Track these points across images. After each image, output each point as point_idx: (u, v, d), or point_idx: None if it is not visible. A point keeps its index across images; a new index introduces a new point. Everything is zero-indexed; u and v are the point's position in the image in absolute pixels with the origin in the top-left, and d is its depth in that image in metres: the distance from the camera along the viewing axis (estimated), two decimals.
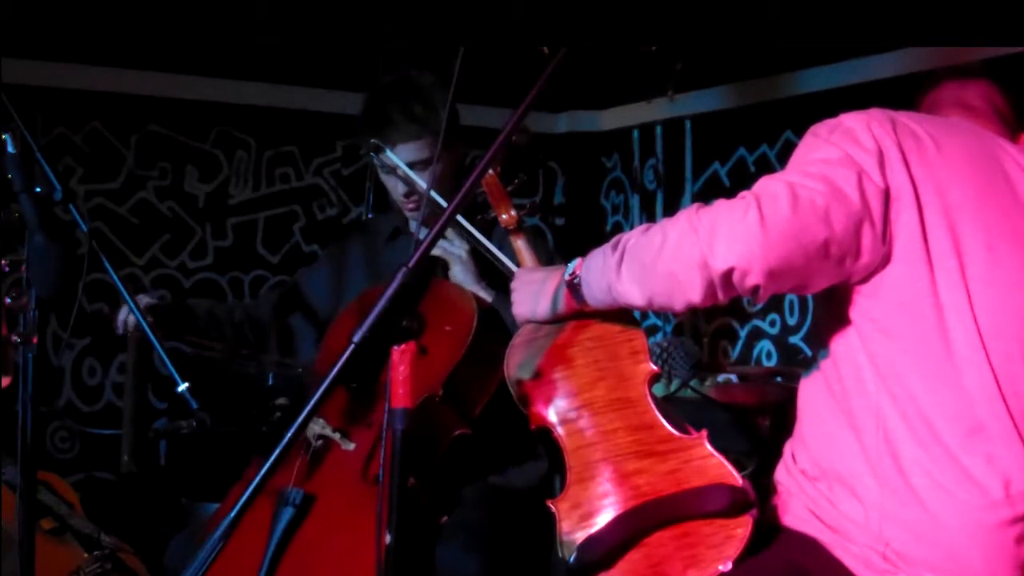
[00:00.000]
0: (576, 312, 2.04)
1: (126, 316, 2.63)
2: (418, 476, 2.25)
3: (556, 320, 2.09)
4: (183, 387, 2.08)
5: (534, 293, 2.08)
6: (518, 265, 2.35)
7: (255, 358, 2.62)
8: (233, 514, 1.71)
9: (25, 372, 1.88)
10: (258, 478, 1.71)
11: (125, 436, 2.68)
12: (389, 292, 1.71)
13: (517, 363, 2.12)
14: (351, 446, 2.38)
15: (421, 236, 1.83)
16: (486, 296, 2.57)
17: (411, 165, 2.61)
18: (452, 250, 2.62)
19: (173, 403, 3.75)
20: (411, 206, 2.72)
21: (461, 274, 2.60)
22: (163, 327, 2.64)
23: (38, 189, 1.90)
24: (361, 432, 2.40)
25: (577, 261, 1.98)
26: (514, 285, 2.14)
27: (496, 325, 2.48)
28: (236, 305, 2.94)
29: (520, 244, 2.38)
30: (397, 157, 2.62)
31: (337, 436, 2.39)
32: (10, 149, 1.89)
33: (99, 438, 3.74)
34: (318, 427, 2.39)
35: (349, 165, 4.24)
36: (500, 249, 2.43)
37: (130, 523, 3.18)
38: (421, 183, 2.60)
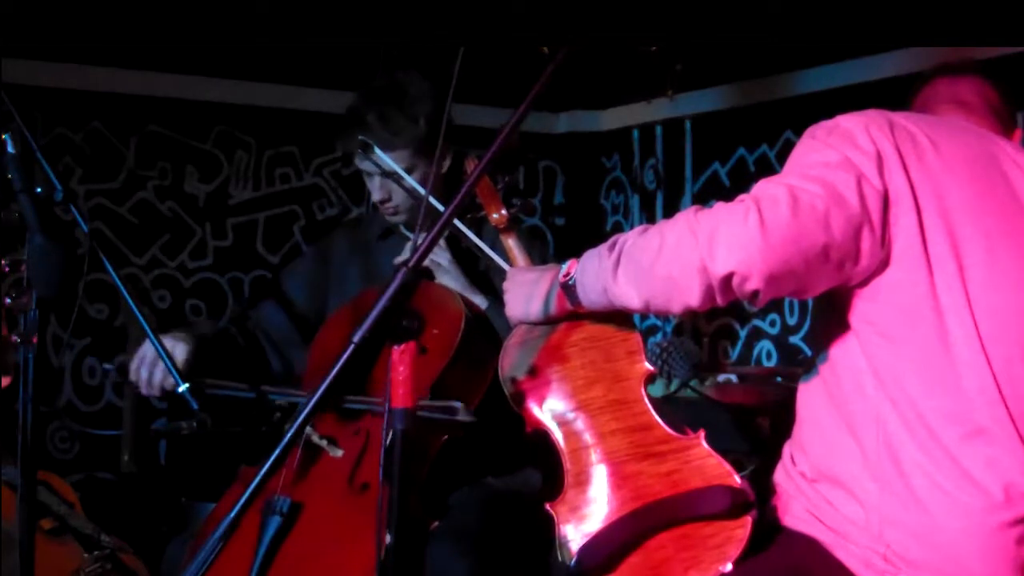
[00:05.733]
0: (570, 313, 2.03)
1: (160, 379, 2.50)
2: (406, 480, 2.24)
3: (549, 321, 2.08)
4: (184, 388, 2.08)
5: (527, 294, 2.07)
6: (510, 264, 2.34)
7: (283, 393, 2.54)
8: (233, 514, 1.71)
9: (25, 372, 1.88)
10: (257, 479, 1.71)
11: (125, 436, 2.67)
12: (390, 292, 1.71)
13: (511, 364, 2.12)
14: (339, 453, 2.37)
15: (419, 239, 1.83)
16: (480, 302, 2.56)
17: (387, 174, 2.62)
18: (435, 259, 2.61)
19: (173, 403, 3.75)
20: (390, 211, 2.73)
21: (449, 282, 2.59)
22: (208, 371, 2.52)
23: (38, 189, 1.90)
24: (349, 439, 2.38)
25: (570, 262, 1.97)
26: (506, 285, 2.14)
27: (484, 327, 2.47)
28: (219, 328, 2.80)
29: (511, 243, 2.37)
30: (373, 161, 2.62)
31: (325, 443, 2.38)
32: (10, 149, 1.89)
33: (99, 438, 3.74)
34: (306, 434, 2.37)
35: (349, 165, 4.24)
36: (492, 249, 2.43)
37: (130, 523, 3.18)
38: (417, 187, 2.59)
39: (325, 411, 2.40)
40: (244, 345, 2.75)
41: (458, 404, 2.26)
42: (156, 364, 2.51)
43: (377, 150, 2.60)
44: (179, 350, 2.54)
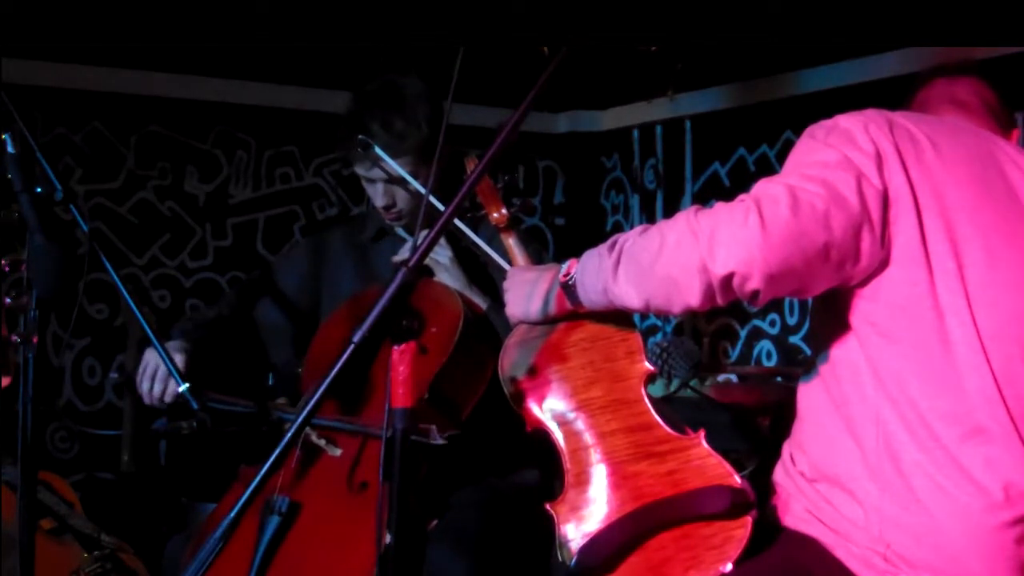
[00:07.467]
0: (570, 313, 2.03)
1: (160, 391, 2.53)
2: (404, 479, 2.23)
3: (549, 321, 2.08)
4: (184, 388, 2.08)
5: (526, 293, 2.07)
6: (510, 264, 2.34)
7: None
8: (233, 514, 1.71)
9: (25, 372, 1.88)
10: (257, 479, 1.71)
11: (125, 436, 2.68)
12: (390, 291, 1.71)
13: (511, 364, 2.11)
14: (338, 452, 2.37)
15: (419, 238, 1.83)
16: (480, 302, 2.56)
17: (391, 179, 2.62)
18: (435, 257, 2.61)
19: (173, 403, 3.75)
20: (393, 216, 2.72)
21: (449, 281, 2.59)
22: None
23: (38, 189, 1.90)
24: (346, 438, 2.39)
25: (570, 261, 1.97)
26: (506, 285, 2.14)
27: (483, 327, 2.47)
28: (211, 317, 2.79)
29: (511, 242, 2.37)
30: (381, 168, 2.62)
31: (323, 443, 2.38)
32: (10, 149, 1.89)
33: (99, 438, 3.74)
34: (305, 433, 2.36)
35: (350, 167, 4.24)
36: (491, 248, 2.43)
37: (130, 523, 3.18)
38: (421, 190, 2.59)
39: (323, 407, 2.40)
40: (239, 334, 2.75)
41: (432, 427, 2.25)
42: (158, 377, 2.52)
43: (382, 154, 2.59)
44: (177, 360, 2.53)
